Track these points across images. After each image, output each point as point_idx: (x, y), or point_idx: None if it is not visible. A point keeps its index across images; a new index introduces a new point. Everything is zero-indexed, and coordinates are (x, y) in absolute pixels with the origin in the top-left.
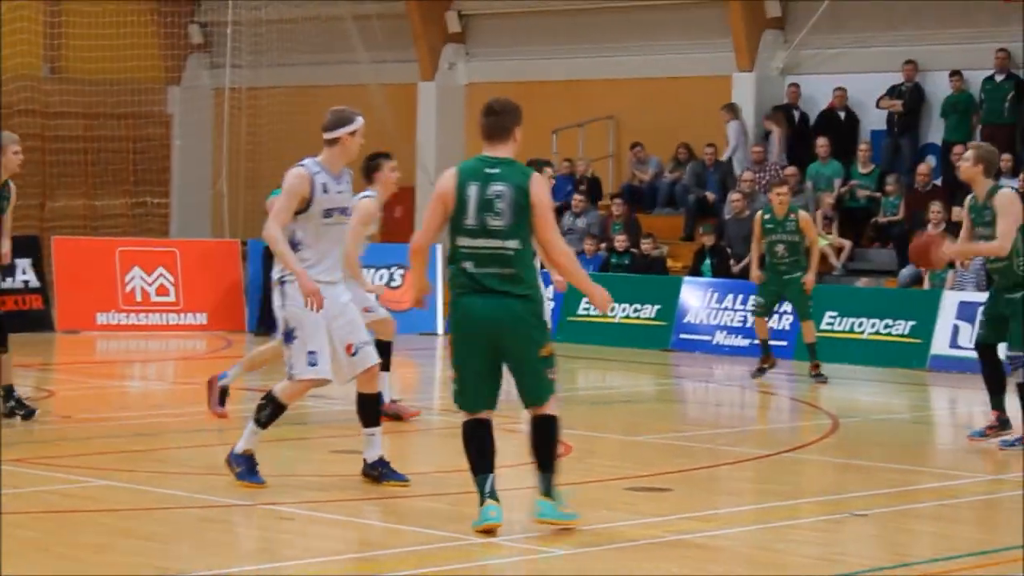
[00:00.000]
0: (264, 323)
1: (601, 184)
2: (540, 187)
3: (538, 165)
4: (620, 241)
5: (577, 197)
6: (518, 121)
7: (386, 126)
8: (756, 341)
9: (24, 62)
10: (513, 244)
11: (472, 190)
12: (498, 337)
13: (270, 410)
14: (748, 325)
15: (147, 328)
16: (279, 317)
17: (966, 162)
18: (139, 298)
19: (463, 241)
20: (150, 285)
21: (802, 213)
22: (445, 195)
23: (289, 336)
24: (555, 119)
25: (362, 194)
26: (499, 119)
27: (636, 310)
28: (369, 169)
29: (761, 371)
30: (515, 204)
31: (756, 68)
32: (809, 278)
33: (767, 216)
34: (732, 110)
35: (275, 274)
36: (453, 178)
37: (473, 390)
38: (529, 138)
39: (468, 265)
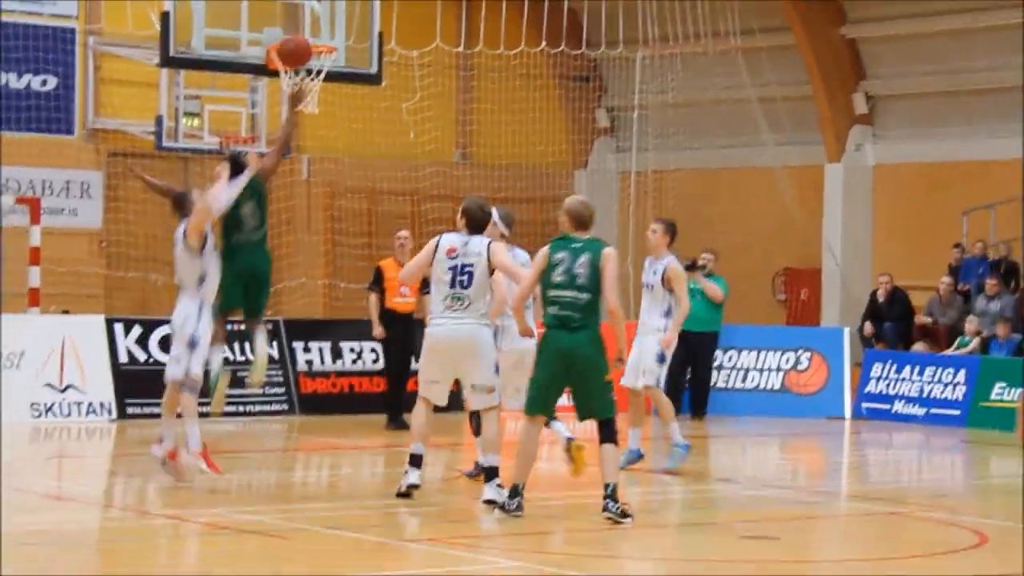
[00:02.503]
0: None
1: (1018, 269)
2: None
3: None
4: None
5: (991, 281)
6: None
7: (791, 208)
8: None
9: (437, 148)
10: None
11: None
12: None
13: None
14: None
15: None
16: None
17: None
18: None
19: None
20: None
21: None
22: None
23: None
24: (965, 200)
25: None
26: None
27: None
28: None
29: None
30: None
31: None
32: None
33: None
34: None
35: None
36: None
37: None
38: (938, 220)
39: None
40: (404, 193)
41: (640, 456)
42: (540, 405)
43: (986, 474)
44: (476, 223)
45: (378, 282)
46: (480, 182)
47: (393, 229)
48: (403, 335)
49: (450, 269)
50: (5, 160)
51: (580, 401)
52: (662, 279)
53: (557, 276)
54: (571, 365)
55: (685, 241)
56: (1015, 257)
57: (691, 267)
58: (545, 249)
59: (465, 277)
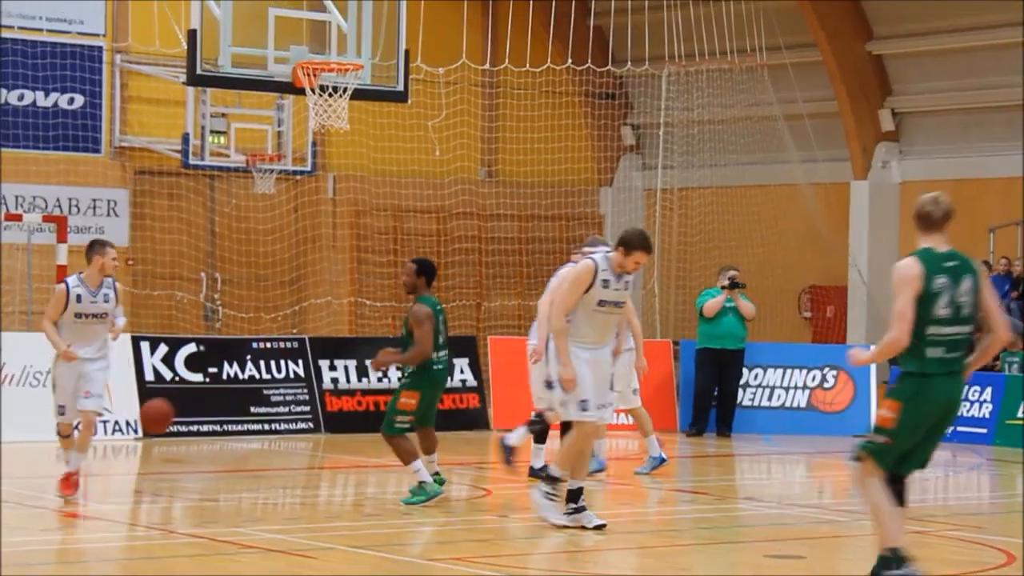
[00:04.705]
0: (697, 422)
1: None
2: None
3: None
4: None
5: (1016, 293)
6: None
7: (817, 225)
8: None
9: (463, 166)
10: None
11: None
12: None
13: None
14: None
15: None
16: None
17: None
18: None
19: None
20: None
21: None
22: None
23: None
24: (992, 217)
25: None
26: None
27: None
28: None
29: None
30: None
31: None
32: None
33: None
34: None
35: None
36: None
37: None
38: (965, 236)
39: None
40: (429, 211)
41: (664, 460)
42: (899, 460)
43: (1013, 493)
44: None
45: None
46: (505, 200)
47: (417, 246)
48: None
49: None
50: (32, 178)
51: (926, 451)
52: None
53: (941, 310)
54: (946, 417)
55: (711, 258)
56: None
57: (733, 285)
58: (918, 270)
59: None
